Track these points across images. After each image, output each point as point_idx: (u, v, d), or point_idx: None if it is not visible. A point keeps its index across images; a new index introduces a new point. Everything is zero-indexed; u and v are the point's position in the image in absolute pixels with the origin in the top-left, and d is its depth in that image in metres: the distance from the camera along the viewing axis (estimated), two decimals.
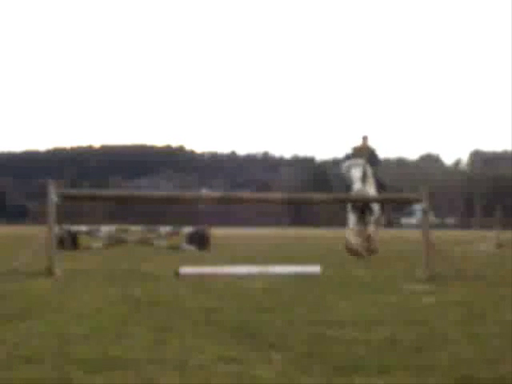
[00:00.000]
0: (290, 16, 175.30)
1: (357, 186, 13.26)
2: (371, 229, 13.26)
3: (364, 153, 14.02)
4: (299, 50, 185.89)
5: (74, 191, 10.76)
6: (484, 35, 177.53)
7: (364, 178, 13.40)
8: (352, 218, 13.29)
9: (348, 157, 14.38)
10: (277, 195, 9.85)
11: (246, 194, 9.19)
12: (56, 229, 9.51)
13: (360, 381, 3.07)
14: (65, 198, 8.64)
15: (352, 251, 12.92)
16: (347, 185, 13.55)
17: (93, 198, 10.00)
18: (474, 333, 4.31)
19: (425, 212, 8.72)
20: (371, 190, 13.56)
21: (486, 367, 3.33)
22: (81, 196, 10.37)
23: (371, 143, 14.76)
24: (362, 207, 13.26)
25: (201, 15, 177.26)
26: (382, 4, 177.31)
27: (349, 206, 13.39)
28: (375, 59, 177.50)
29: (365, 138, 14.65)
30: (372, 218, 13.31)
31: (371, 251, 13.14)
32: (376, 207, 13.56)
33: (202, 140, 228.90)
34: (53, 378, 3.08)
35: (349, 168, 13.67)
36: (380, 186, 14.06)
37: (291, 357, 3.56)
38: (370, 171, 13.79)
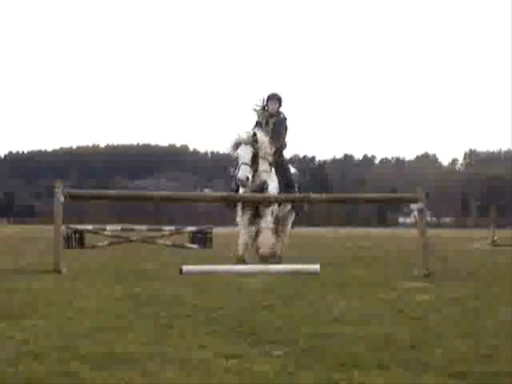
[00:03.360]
0: (289, 16, 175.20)
1: (241, 174, 9.42)
2: (267, 229, 9.79)
3: (267, 121, 10.20)
4: (299, 50, 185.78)
5: (80, 191, 10.78)
6: (481, 37, 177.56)
7: (254, 163, 9.58)
8: (243, 218, 9.93)
9: (258, 122, 10.40)
10: (276, 195, 9.90)
11: (247, 194, 9.16)
12: (62, 228, 9.59)
13: (359, 376, 3.13)
14: (71, 197, 8.69)
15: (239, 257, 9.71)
16: (232, 173, 9.91)
17: (98, 198, 10.07)
18: (468, 329, 4.39)
19: (421, 212, 8.80)
20: (272, 186, 9.89)
21: (480, 363, 3.40)
22: (87, 196, 10.39)
23: (284, 108, 10.45)
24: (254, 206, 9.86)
25: (202, 15, 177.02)
26: (382, 4, 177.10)
27: (239, 208, 9.99)
28: (374, 60, 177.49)
29: (271, 98, 10.29)
30: (267, 213, 9.79)
31: (274, 256, 9.91)
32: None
33: (206, 140, 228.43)
34: (59, 374, 3.14)
35: (236, 145, 9.76)
36: (286, 180, 10.19)
37: (291, 353, 3.62)
38: (267, 151, 9.81)
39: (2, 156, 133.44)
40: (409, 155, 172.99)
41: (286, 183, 10.18)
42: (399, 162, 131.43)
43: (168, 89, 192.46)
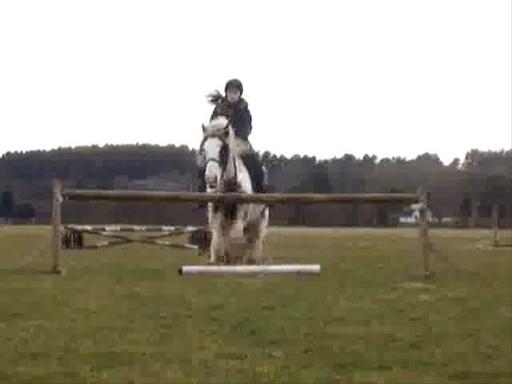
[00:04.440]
0: (289, 16, 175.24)
1: (208, 172, 8.32)
2: (238, 228, 8.84)
3: (227, 113, 8.97)
4: (299, 50, 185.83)
5: (79, 191, 10.77)
6: (482, 37, 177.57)
7: (224, 156, 8.50)
8: (215, 221, 8.93)
9: (215, 113, 9.14)
10: (276, 195, 9.91)
11: (245, 194, 9.03)
12: (61, 228, 9.59)
13: (359, 376, 3.14)
14: (70, 198, 8.68)
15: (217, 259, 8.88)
16: (200, 167, 8.82)
17: (97, 198, 10.05)
18: (469, 329, 4.39)
19: (422, 212, 8.79)
20: (241, 177, 8.91)
21: (481, 363, 3.41)
22: (86, 196, 10.37)
23: (245, 95, 9.31)
24: (226, 207, 8.83)
25: (202, 15, 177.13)
26: (382, 4, 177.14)
27: (210, 208, 8.98)
28: (374, 60, 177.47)
29: (231, 87, 9.15)
30: (238, 216, 8.80)
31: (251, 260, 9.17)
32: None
33: None
34: (59, 374, 3.14)
35: (205, 136, 8.66)
36: (255, 170, 9.24)
37: (292, 353, 3.62)
38: (236, 144, 8.87)
39: (1, 156, 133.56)
40: (410, 155, 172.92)
41: (255, 173, 9.18)
42: (400, 161, 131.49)
43: (168, 89, 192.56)
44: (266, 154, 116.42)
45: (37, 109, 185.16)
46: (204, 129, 8.69)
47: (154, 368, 3.26)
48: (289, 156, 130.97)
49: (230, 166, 8.70)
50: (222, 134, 8.57)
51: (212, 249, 9.00)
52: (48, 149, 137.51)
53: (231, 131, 8.69)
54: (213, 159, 8.42)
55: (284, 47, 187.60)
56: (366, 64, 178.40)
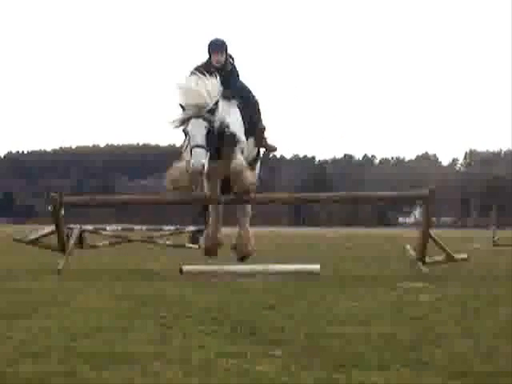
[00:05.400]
0: (289, 15, 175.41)
1: (194, 161, 7.14)
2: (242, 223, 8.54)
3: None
4: (299, 50, 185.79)
5: (76, 198, 10.71)
6: (481, 37, 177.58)
7: (210, 140, 7.32)
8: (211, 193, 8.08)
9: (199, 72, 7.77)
10: (282, 195, 9.85)
11: (253, 191, 8.78)
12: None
13: (359, 376, 3.14)
14: (65, 206, 8.66)
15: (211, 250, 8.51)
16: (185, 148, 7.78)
17: (89, 206, 9.96)
18: (468, 328, 4.40)
19: (424, 211, 8.79)
20: (232, 121, 7.80)
21: (481, 363, 3.41)
22: (84, 203, 10.25)
23: (233, 55, 8.34)
24: (218, 150, 7.54)
25: (202, 15, 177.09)
26: (382, 4, 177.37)
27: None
28: (374, 60, 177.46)
29: (214, 49, 8.05)
30: (236, 150, 7.65)
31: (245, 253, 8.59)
32: (241, 138, 7.86)
33: None
34: (59, 373, 3.15)
35: (186, 116, 7.41)
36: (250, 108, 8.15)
37: (292, 352, 3.63)
38: (233, 121, 7.79)
39: (2, 156, 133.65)
40: (409, 155, 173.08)
41: (250, 122, 8.07)
42: (399, 161, 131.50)
43: (167, 88, 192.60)
44: (295, 156, 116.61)
45: (38, 109, 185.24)
46: (184, 107, 7.42)
47: (154, 367, 3.27)
48: (288, 156, 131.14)
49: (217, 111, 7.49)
50: (206, 115, 7.35)
51: (206, 232, 8.58)
52: (49, 149, 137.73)
53: (220, 106, 7.55)
54: (198, 145, 7.24)
55: (284, 47, 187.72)
56: (366, 64, 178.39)
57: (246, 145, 7.98)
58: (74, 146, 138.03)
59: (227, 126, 7.69)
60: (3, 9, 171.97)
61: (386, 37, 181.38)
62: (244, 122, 8.01)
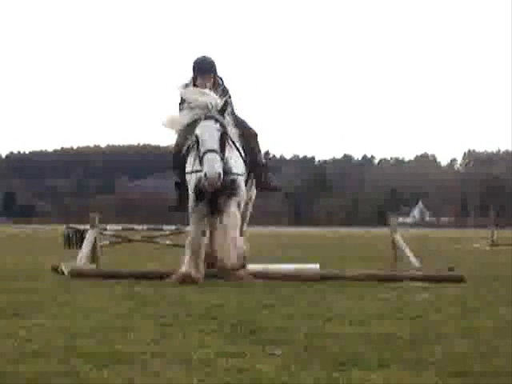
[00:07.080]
0: (288, 16, 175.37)
1: (209, 169, 6.32)
2: (233, 229, 6.84)
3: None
4: (300, 50, 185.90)
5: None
6: (481, 37, 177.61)
7: (222, 145, 6.55)
8: (196, 210, 6.99)
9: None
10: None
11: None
12: (63, 228, 9.62)
13: (359, 375, 3.15)
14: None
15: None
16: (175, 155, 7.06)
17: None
18: (468, 328, 4.40)
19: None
20: (235, 165, 6.91)
21: (480, 362, 3.41)
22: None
23: (221, 73, 7.25)
24: (213, 195, 6.67)
25: (201, 17, 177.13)
26: (382, 4, 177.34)
27: (191, 197, 6.92)
28: (373, 60, 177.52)
29: (202, 72, 7.00)
30: (231, 203, 6.83)
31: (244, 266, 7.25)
32: (241, 188, 6.91)
33: None
34: (59, 373, 3.14)
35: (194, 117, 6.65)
36: (251, 151, 7.26)
37: (291, 351, 3.63)
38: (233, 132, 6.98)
39: (3, 156, 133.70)
40: (408, 155, 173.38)
41: (250, 158, 7.27)
42: (398, 162, 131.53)
43: (168, 88, 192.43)
44: (266, 154, 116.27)
45: (39, 109, 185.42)
46: (191, 105, 6.65)
47: (154, 367, 3.27)
48: (288, 156, 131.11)
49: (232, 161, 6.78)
50: (219, 115, 6.61)
51: (186, 254, 7.13)
52: (50, 149, 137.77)
53: (229, 107, 6.83)
54: (212, 150, 6.37)
55: (283, 47, 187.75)
56: (365, 65, 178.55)
57: (244, 195, 7.06)
58: (74, 147, 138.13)
59: (230, 171, 6.74)
60: (6, 9, 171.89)
61: (386, 37, 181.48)
62: (245, 161, 7.11)
